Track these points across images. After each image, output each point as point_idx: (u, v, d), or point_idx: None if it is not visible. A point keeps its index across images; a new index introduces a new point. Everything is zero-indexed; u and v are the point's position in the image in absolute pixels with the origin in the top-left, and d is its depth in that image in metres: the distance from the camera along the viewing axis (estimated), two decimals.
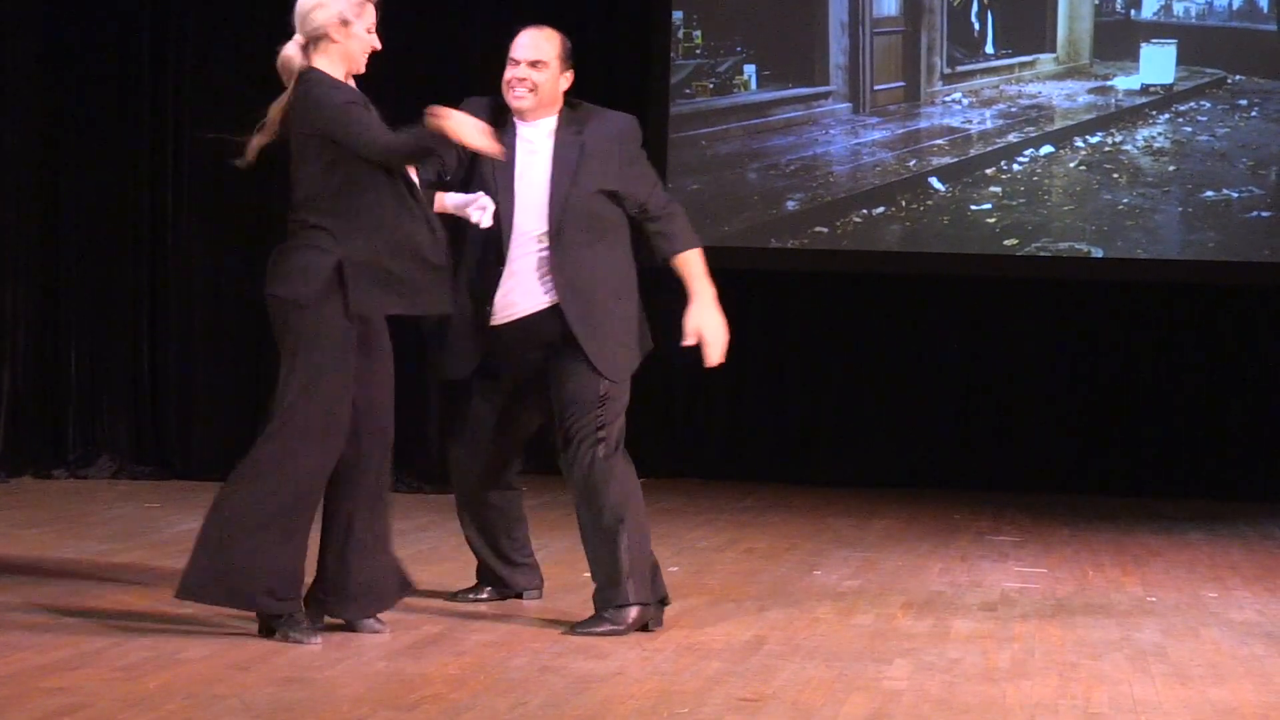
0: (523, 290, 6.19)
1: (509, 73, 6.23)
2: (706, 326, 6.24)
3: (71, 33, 10.01)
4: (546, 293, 6.18)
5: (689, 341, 6.24)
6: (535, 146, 6.23)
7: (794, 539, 8.51)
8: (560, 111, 6.28)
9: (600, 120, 6.31)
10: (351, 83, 5.87)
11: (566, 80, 6.27)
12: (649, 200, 6.28)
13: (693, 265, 6.28)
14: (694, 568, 7.53)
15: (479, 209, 6.05)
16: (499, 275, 6.18)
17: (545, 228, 6.16)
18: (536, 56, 6.20)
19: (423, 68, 9.76)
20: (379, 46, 5.90)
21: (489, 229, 6.10)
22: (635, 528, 6.16)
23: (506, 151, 6.11)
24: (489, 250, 6.18)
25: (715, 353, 6.24)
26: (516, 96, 6.22)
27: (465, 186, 6.24)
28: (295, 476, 5.77)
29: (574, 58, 6.29)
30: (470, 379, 6.45)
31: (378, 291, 5.81)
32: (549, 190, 6.17)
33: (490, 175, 6.17)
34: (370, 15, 5.87)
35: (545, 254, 6.17)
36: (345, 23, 5.82)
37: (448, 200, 6.11)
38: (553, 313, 6.18)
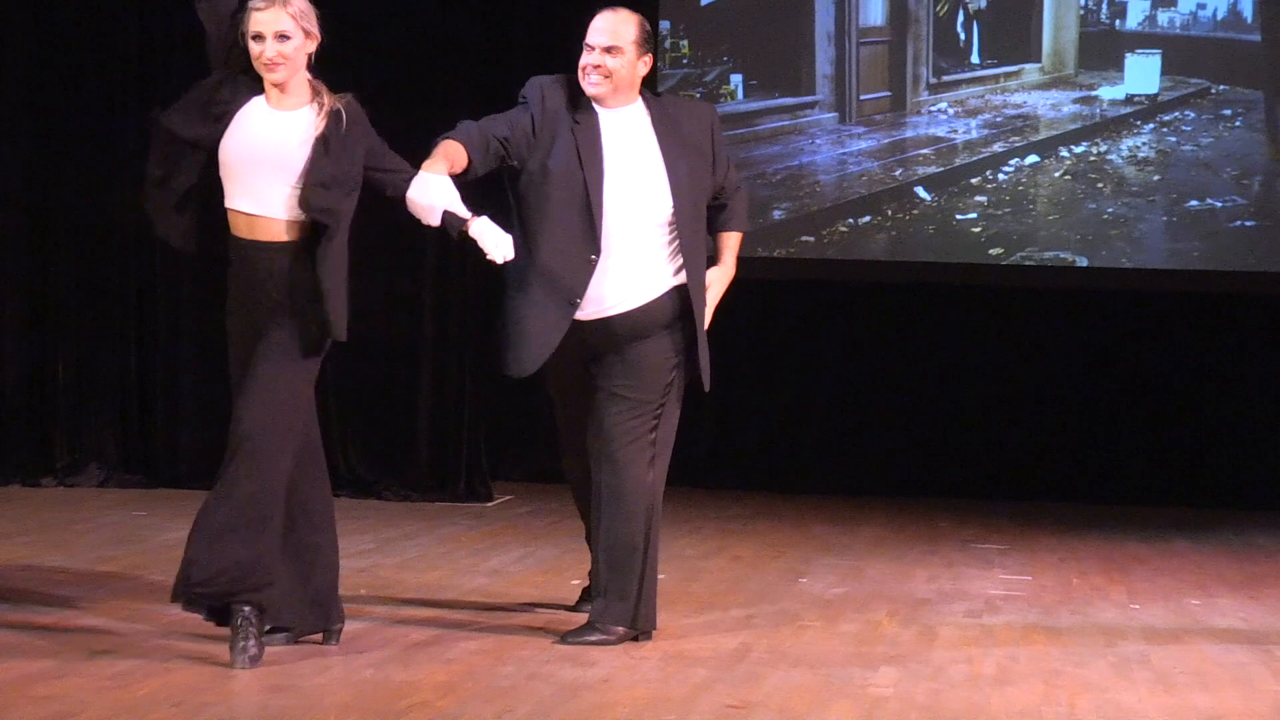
0: (628, 283, 6.01)
1: (584, 58, 6.01)
2: (710, 291, 6.20)
3: (61, 46, 10.01)
4: (656, 283, 6.02)
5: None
6: (629, 135, 6.04)
7: (780, 547, 8.51)
8: (644, 98, 6.10)
9: (689, 111, 6.24)
10: (274, 90, 5.65)
11: (645, 65, 6.06)
12: (726, 182, 6.27)
13: (731, 242, 6.33)
14: (681, 576, 7.53)
15: (497, 246, 5.70)
16: (591, 268, 5.96)
17: (663, 217, 6.00)
18: (612, 42, 5.98)
19: (420, 70, 9.77)
20: (259, 52, 5.59)
21: (575, 220, 5.92)
22: (655, 551, 6.10)
23: (591, 135, 5.96)
24: (572, 243, 5.94)
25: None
26: (592, 84, 6.00)
27: (516, 174, 5.99)
28: None
29: (652, 42, 6.08)
30: (562, 390, 6.26)
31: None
32: (668, 179, 6.01)
33: (574, 162, 5.95)
34: (252, 23, 5.61)
35: (658, 243, 6.02)
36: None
37: (473, 227, 5.69)
38: (658, 304, 6.03)
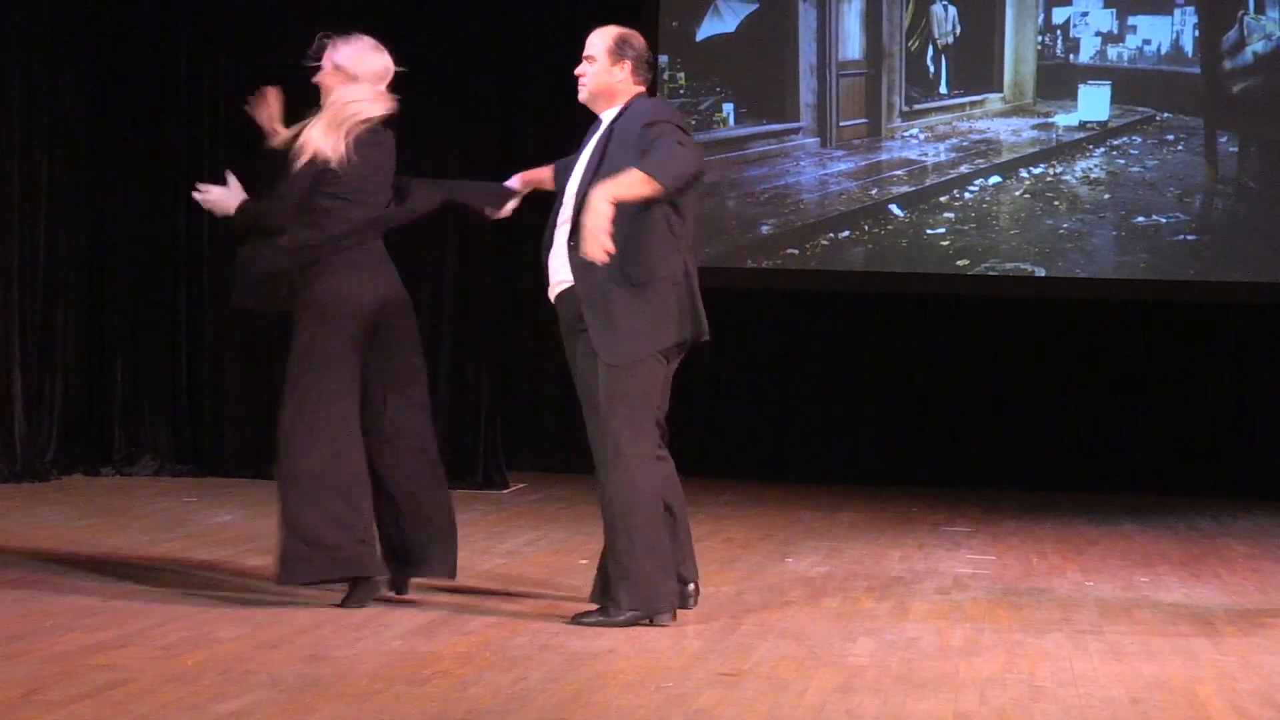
0: (557, 267, 5.94)
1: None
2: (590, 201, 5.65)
3: (115, 79, 10.01)
4: (569, 272, 5.90)
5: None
6: (595, 136, 6.00)
7: (768, 530, 8.50)
8: (627, 103, 5.95)
9: (639, 109, 5.92)
10: None
11: (621, 71, 5.94)
12: (649, 147, 5.76)
13: (623, 174, 5.68)
14: None
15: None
16: (550, 246, 6.00)
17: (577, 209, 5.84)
18: (588, 52, 5.99)
19: (425, 100, 9.77)
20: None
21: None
22: (637, 533, 5.81)
23: (584, 138, 6.02)
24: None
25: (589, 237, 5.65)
26: (579, 91, 6.05)
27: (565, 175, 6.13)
28: None
29: (631, 52, 5.94)
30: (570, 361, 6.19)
31: None
32: (584, 174, 5.89)
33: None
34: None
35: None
36: None
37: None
38: (570, 292, 5.91)
